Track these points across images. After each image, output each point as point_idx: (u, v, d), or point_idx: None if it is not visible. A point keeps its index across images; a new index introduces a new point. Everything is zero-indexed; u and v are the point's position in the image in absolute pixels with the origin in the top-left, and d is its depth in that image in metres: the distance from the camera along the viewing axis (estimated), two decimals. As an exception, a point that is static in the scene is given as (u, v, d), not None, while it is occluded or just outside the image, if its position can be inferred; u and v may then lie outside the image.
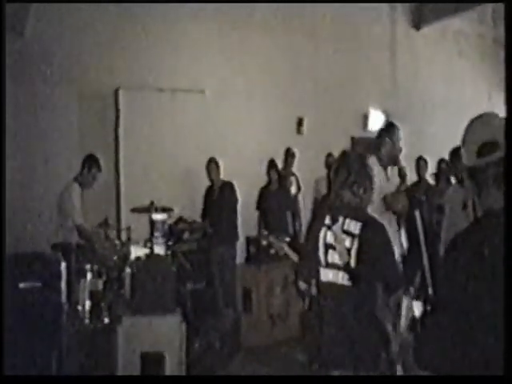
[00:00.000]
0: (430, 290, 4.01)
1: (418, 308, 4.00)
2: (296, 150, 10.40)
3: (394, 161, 6.42)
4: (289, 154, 10.35)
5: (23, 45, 9.40)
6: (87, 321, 6.51)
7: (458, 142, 7.72)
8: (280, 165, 10.06)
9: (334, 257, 4.06)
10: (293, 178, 10.35)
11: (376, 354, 3.97)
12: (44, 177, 9.23)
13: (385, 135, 6.29)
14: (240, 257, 9.41)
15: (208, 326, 7.96)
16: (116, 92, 10.07)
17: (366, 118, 12.01)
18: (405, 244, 6.05)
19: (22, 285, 5.85)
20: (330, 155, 9.69)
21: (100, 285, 6.63)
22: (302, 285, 5.28)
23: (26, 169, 9.32)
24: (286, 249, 6.23)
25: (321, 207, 7.92)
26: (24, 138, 9.42)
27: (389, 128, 6.43)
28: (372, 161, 6.11)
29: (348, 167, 4.18)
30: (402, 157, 6.30)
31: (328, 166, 9.41)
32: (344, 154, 4.43)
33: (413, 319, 3.19)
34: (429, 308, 2.74)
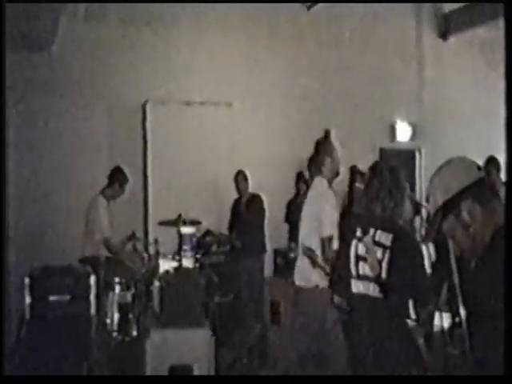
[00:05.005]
0: (460, 303, 3.96)
1: (446, 320, 3.98)
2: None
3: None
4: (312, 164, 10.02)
5: (51, 61, 9.50)
6: (116, 333, 6.52)
7: (487, 152, 7.68)
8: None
9: (365, 268, 4.02)
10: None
11: (407, 367, 3.94)
12: (74, 190, 9.29)
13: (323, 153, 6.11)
14: (268, 269, 9.39)
15: (236, 338, 7.94)
16: (144, 105, 10.13)
17: (393, 129, 11.96)
18: (433, 255, 5.99)
19: (51, 298, 5.89)
20: (354, 167, 9.63)
21: (128, 298, 6.64)
22: (337, 299, 5.24)
23: (55, 182, 9.39)
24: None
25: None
26: (53, 151, 9.50)
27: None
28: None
29: (380, 181, 4.14)
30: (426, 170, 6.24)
31: (352, 178, 9.36)
32: (376, 165, 4.38)
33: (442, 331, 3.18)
34: (457, 320, 2.72)
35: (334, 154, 6.14)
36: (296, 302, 6.22)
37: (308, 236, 5.93)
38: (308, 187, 9.49)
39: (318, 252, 5.79)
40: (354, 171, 8.10)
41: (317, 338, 5.74)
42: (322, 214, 5.75)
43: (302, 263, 5.96)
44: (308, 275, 5.87)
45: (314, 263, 5.93)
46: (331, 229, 5.73)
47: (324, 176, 6.00)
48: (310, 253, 5.96)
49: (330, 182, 6.06)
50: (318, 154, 6.12)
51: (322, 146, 6.15)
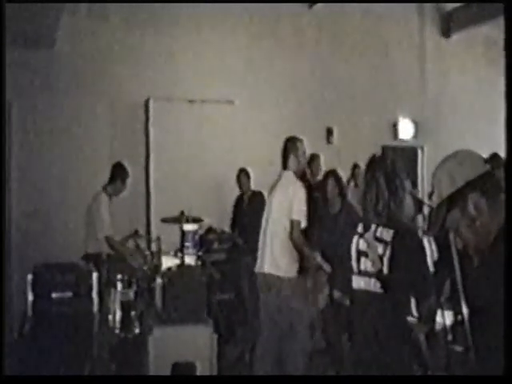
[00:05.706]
0: (463, 300, 3.95)
1: (448, 317, 3.97)
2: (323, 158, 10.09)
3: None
4: (313, 161, 9.65)
5: (54, 57, 9.50)
6: (118, 331, 6.52)
7: (491, 149, 7.62)
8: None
9: (366, 264, 4.02)
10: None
11: (407, 364, 3.93)
12: (75, 187, 9.30)
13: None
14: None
15: (238, 336, 7.94)
16: (146, 102, 10.13)
17: (395, 126, 11.95)
18: (435, 251, 5.99)
19: (53, 295, 5.89)
20: (356, 166, 9.61)
21: (131, 295, 6.63)
22: (337, 293, 5.26)
23: (57, 179, 9.40)
24: (319, 259, 6.21)
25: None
26: (55, 148, 9.51)
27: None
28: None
29: (376, 189, 4.07)
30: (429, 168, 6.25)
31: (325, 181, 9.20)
32: (375, 160, 4.30)
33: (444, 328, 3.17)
34: (460, 318, 2.71)
35: (299, 154, 6.50)
36: (266, 290, 6.45)
37: (279, 220, 6.37)
38: (310, 186, 9.52)
39: (287, 233, 6.20)
40: (327, 173, 8.00)
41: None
42: (293, 199, 6.21)
43: (273, 250, 6.35)
44: (280, 263, 6.11)
45: (306, 259, 6.03)
46: (300, 214, 6.19)
47: (290, 170, 6.46)
48: (308, 251, 6.01)
49: (297, 177, 6.50)
50: (284, 151, 6.52)
51: (288, 144, 6.54)
